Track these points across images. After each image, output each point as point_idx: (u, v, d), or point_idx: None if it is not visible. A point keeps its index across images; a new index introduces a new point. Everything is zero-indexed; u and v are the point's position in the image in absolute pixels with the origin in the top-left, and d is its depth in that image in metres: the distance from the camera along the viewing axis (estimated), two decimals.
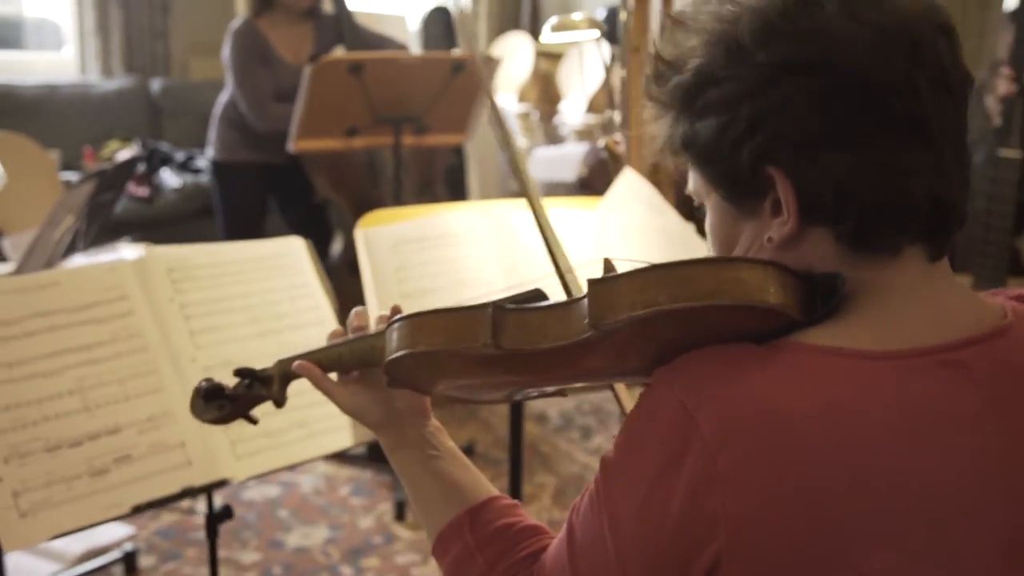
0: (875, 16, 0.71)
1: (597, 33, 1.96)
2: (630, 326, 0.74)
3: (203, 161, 4.71)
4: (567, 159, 4.05)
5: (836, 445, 0.67)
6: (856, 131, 0.71)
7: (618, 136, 2.26)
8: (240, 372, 1.07)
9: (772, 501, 0.67)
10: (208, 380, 1.08)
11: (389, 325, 0.91)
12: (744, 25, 0.72)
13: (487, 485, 0.96)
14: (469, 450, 3.03)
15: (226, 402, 1.08)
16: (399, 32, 4.70)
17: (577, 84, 4.81)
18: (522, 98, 5.29)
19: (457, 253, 1.80)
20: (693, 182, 0.81)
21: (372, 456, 2.94)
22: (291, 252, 1.76)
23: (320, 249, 3.17)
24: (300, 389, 1.67)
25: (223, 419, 1.09)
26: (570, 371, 0.85)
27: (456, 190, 4.07)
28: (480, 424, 3.28)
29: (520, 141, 4.90)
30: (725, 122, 0.73)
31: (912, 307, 0.74)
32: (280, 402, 1.07)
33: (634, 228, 1.93)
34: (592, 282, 0.76)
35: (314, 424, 1.64)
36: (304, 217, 3.42)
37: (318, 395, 1.73)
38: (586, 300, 0.76)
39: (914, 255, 0.74)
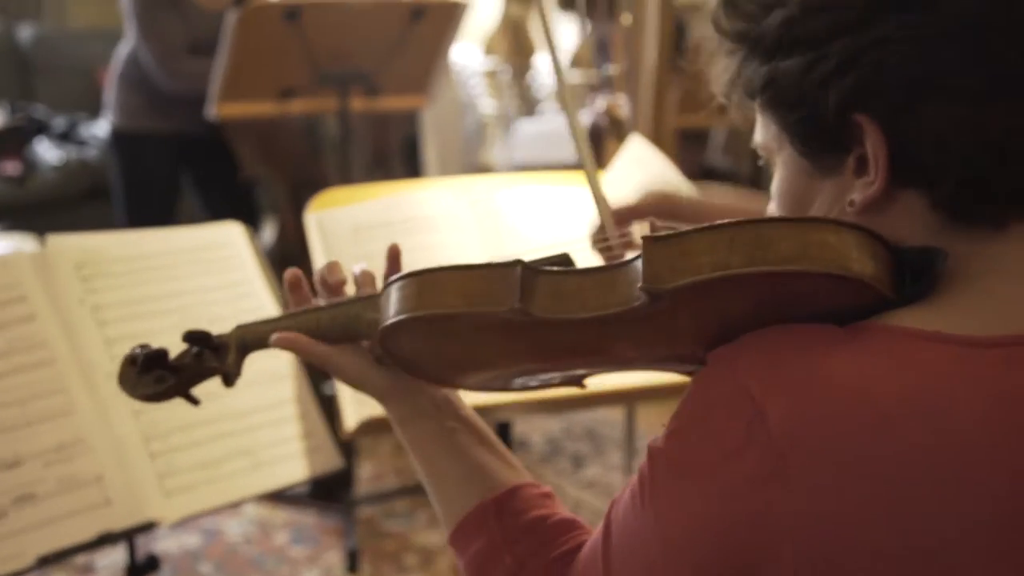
0: None
1: None
2: (692, 294, 0.77)
3: (89, 130, 4.70)
4: (558, 133, 4.10)
5: (933, 447, 0.70)
6: (964, 80, 0.75)
7: (621, 96, 2.30)
8: (191, 336, 1.09)
9: (852, 511, 0.70)
10: (144, 346, 1.10)
11: (387, 285, 0.94)
12: None
13: (517, 468, 1.00)
14: None
15: (167, 373, 1.09)
16: None
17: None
18: (489, 51, 5.33)
19: (431, 240, 1.83)
20: (763, 133, 0.85)
21: (315, 495, 2.96)
22: (229, 241, 1.78)
23: None
24: (243, 409, 1.70)
25: (161, 395, 1.10)
26: (610, 352, 0.89)
27: (413, 166, 4.10)
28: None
29: (487, 106, 4.93)
30: (814, 59, 0.77)
31: (1011, 287, 0.77)
32: (232, 378, 1.09)
33: None
34: (648, 239, 0.79)
35: (260, 452, 1.67)
36: (225, 199, 3.44)
37: (266, 416, 1.74)
38: (638, 262, 0.79)
39: (1021, 231, 0.78)
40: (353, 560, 2.72)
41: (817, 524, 0.71)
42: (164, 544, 2.81)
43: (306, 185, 3.00)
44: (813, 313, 0.76)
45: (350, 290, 1.10)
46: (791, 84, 0.79)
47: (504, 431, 2.09)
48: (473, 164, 4.80)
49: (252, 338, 1.11)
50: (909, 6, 0.75)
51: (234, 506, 1.70)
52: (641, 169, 2.06)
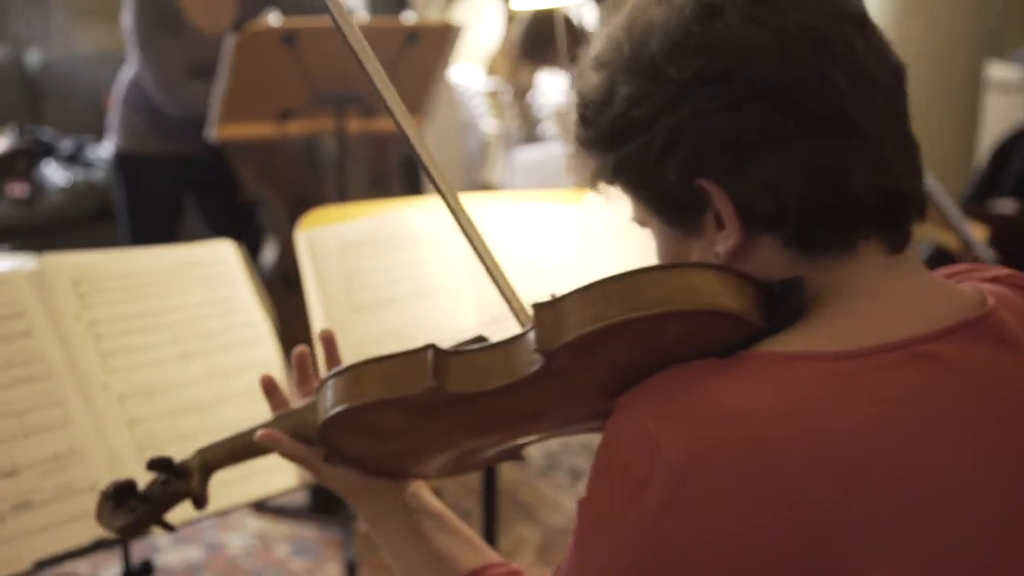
0: (776, 19, 0.85)
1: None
2: (581, 348, 0.85)
3: (95, 152, 4.79)
4: (555, 161, 4.16)
5: (816, 453, 0.78)
6: (777, 133, 0.84)
7: None
8: (153, 464, 1.17)
9: (751, 521, 0.77)
10: (115, 481, 1.18)
11: (321, 384, 1.03)
12: (654, 46, 0.87)
13: (482, 551, 1.09)
14: None
15: (138, 503, 1.17)
16: None
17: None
18: (491, 71, 5.41)
19: (416, 257, 1.90)
20: (633, 210, 0.94)
21: (316, 507, 3.03)
22: (220, 259, 1.85)
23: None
24: (235, 421, 1.76)
25: (136, 525, 1.18)
26: (527, 418, 0.97)
27: (412, 185, 4.17)
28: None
29: (489, 125, 5.01)
30: (647, 140, 0.87)
31: (878, 303, 0.86)
32: (201, 500, 1.18)
33: (624, 225, 2.04)
34: (536, 306, 0.88)
35: (250, 462, 1.73)
36: (228, 220, 3.51)
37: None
38: (533, 329, 0.88)
39: (871, 250, 0.87)
40: (352, 572, 2.78)
41: (722, 540, 0.77)
42: (166, 557, 2.87)
43: (306, 205, 3.06)
44: (697, 350, 0.84)
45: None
46: (634, 166, 0.89)
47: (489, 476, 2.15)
48: (475, 183, 4.87)
49: (213, 458, 1.20)
50: (712, 80, 0.84)
51: (225, 513, 1.76)
52: None
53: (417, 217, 1.96)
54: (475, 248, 1.07)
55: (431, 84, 3.29)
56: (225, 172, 3.41)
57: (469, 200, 2.05)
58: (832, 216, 0.86)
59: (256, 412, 1.79)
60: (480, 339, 1.01)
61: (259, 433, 1.13)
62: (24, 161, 4.49)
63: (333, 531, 3.00)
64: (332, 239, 1.90)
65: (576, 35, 4.58)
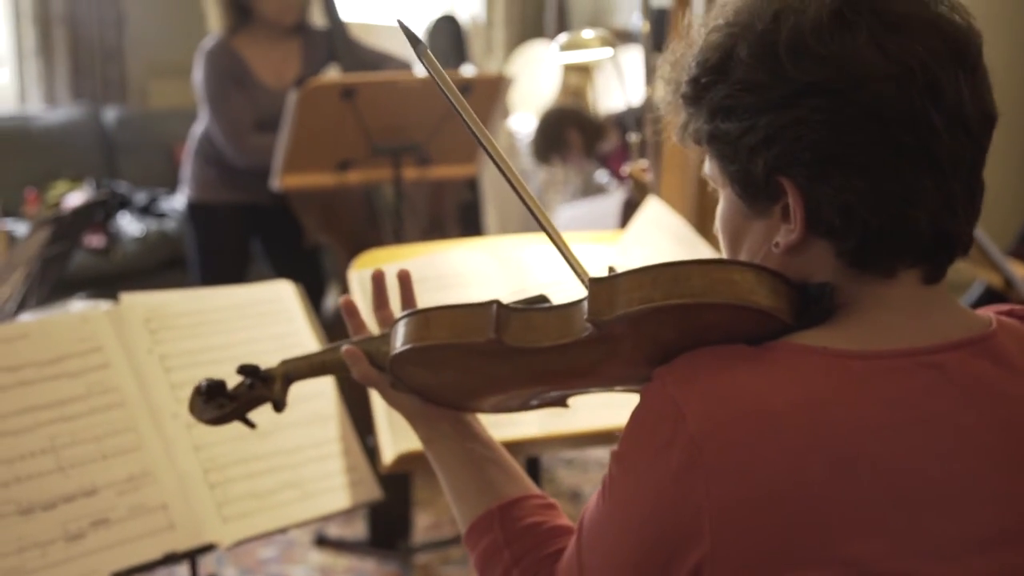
0: (901, 49, 0.91)
1: (611, 52, 2.23)
2: (627, 323, 0.97)
3: (168, 203, 5.03)
4: (595, 215, 4.29)
5: (816, 436, 0.89)
6: (868, 159, 0.92)
7: (643, 161, 2.51)
8: (243, 369, 1.33)
9: (754, 490, 0.88)
10: (209, 379, 1.34)
11: (396, 322, 1.16)
12: (783, 33, 0.93)
13: (525, 482, 1.21)
14: None
15: (226, 401, 1.33)
16: (399, 46, 5.01)
17: (614, 101, 5.08)
18: None
19: (462, 295, 2.05)
20: (710, 170, 1.03)
21: (375, 542, 3.17)
22: (279, 297, 2.03)
23: (313, 301, 3.43)
24: (292, 447, 1.92)
25: (223, 418, 1.34)
26: (576, 374, 1.10)
27: (471, 230, 4.34)
28: None
29: (545, 172, 5.16)
30: (746, 128, 0.95)
31: (899, 317, 0.96)
32: (280, 404, 1.33)
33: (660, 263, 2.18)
34: (592, 281, 1.00)
35: (307, 484, 1.89)
36: (294, 265, 3.68)
37: (313, 452, 1.97)
38: (586, 299, 1.00)
39: (909, 277, 0.97)
40: None
41: (728, 506, 0.90)
42: None
43: (365, 250, 3.23)
44: (730, 337, 0.96)
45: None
46: (728, 143, 0.98)
47: (533, 465, 2.29)
48: (531, 228, 5.01)
49: (294, 370, 1.35)
50: (825, 93, 0.92)
51: (282, 531, 1.91)
52: (659, 230, 2.26)
53: (462, 257, 2.11)
54: (540, 221, 1.14)
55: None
56: (290, 219, 3.59)
57: (512, 241, 2.21)
58: (889, 242, 0.94)
59: (310, 439, 1.96)
60: (542, 298, 1.14)
61: (345, 348, 1.25)
62: (101, 213, 4.73)
63: (392, 564, 3.13)
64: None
65: (591, 130, 4.68)
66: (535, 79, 5.51)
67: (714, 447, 0.90)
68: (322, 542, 3.24)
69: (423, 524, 3.39)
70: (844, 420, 0.91)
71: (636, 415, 0.97)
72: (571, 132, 4.69)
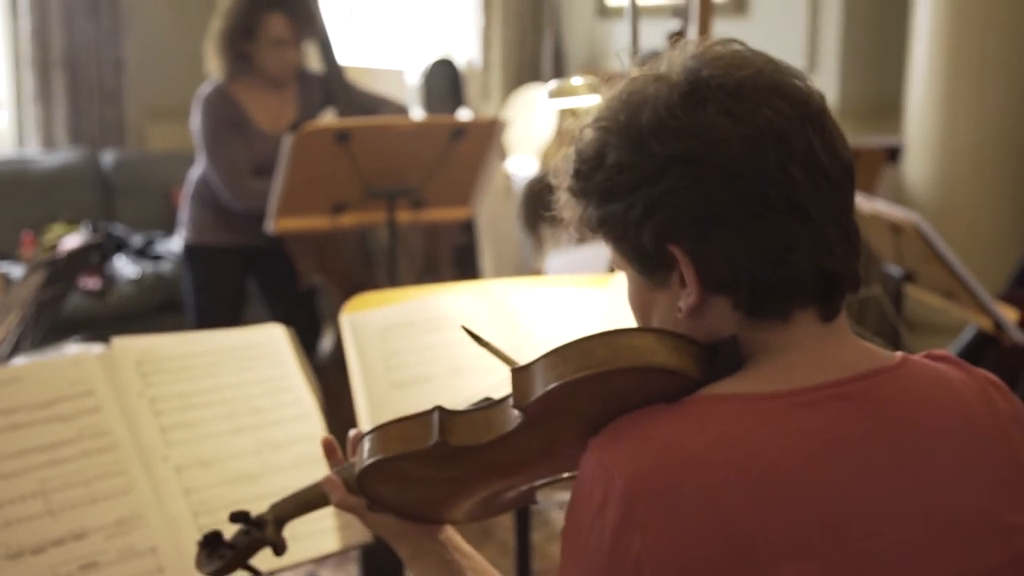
0: (747, 113, 1.00)
1: (599, 99, 2.26)
2: (548, 403, 1.04)
3: (164, 246, 5.06)
4: (586, 266, 4.31)
5: (735, 473, 0.95)
6: (740, 215, 1.00)
7: None
8: (234, 517, 1.39)
9: (684, 534, 0.94)
10: (205, 533, 1.40)
11: (360, 440, 1.24)
12: (644, 119, 1.03)
13: None
14: None
15: (227, 551, 1.39)
16: (396, 89, 5.07)
17: None
18: (544, 162, 5.62)
19: (451, 338, 2.08)
20: (612, 256, 1.11)
21: None
22: (270, 341, 2.05)
23: (307, 344, 3.46)
24: (280, 490, 1.93)
25: (226, 568, 1.39)
26: (527, 464, 1.17)
27: (467, 273, 4.36)
28: (497, 547, 3.50)
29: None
30: (627, 205, 1.03)
31: (804, 357, 1.03)
32: (279, 547, 1.40)
33: None
34: (513, 371, 1.07)
35: (296, 527, 1.89)
36: (289, 307, 3.72)
37: None
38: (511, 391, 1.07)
39: (806, 318, 1.04)
40: None
41: (663, 553, 0.94)
42: None
43: (360, 292, 3.26)
44: (647, 399, 1.02)
45: None
46: (616, 223, 1.06)
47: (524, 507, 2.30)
48: (529, 272, 5.05)
49: (283, 512, 1.42)
50: (688, 161, 1.01)
51: (272, 574, 1.92)
52: None
53: (452, 301, 2.14)
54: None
55: (478, 176, 3.49)
56: (285, 262, 3.62)
57: (503, 284, 2.24)
58: (776, 288, 1.02)
59: (299, 482, 1.96)
60: (486, 400, 1.20)
61: (325, 477, 1.34)
62: (97, 255, 4.76)
63: None
64: (374, 321, 2.09)
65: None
66: (531, 122, 5.55)
67: (643, 499, 0.95)
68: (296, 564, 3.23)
69: None
70: (759, 453, 0.97)
71: (574, 487, 1.03)
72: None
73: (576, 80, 2.26)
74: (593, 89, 2.23)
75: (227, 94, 3.59)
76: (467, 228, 4.63)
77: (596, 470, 0.98)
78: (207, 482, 1.87)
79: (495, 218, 4.91)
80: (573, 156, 1.10)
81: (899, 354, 1.09)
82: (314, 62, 3.88)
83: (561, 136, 5.59)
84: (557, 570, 1.04)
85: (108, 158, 5.45)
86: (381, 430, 1.21)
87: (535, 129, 5.55)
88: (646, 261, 1.06)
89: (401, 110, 3.83)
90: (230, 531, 1.40)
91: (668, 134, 1.02)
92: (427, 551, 1.29)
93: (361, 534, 1.96)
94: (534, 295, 2.19)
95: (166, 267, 4.94)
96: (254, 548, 1.40)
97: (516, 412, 1.07)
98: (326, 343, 3.90)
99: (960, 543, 1.00)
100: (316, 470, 1.99)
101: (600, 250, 4.58)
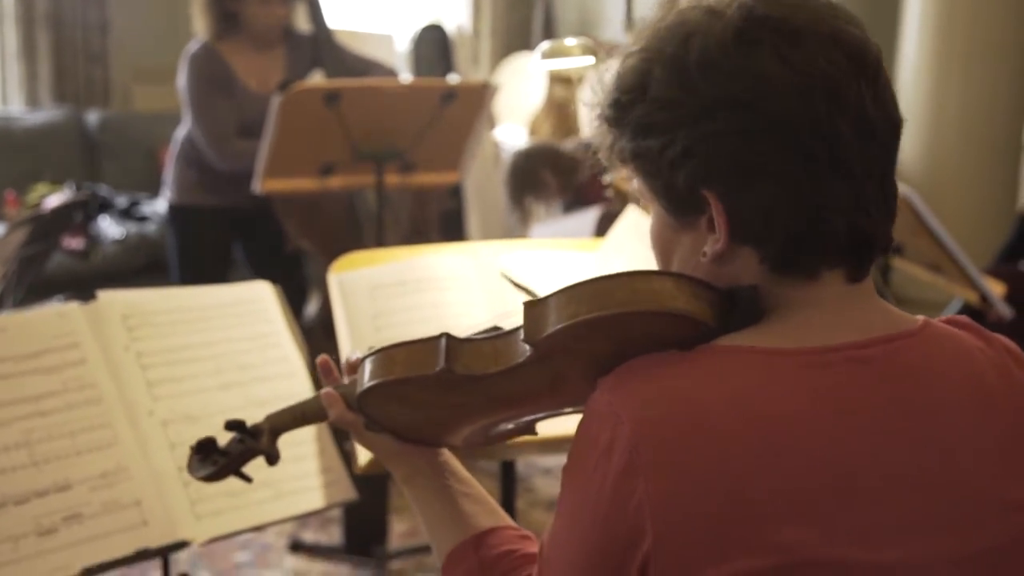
0: (802, 61, 0.97)
1: (593, 60, 2.26)
2: (560, 340, 1.02)
3: (150, 207, 5.04)
4: (570, 234, 4.31)
5: (744, 428, 0.93)
6: (781, 167, 0.97)
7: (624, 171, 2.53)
8: (230, 425, 1.39)
9: (688, 483, 0.93)
10: (199, 440, 1.40)
11: (361, 361, 1.23)
12: (692, 54, 0.99)
13: (501, 515, 1.26)
14: None
15: (219, 456, 1.39)
16: (385, 55, 5.05)
17: None
18: (533, 131, 5.62)
19: (440, 298, 2.08)
20: (638, 188, 1.08)
21: (349, 548, 3.18)
22: (258, 298, 2.05)
23: (294, 307, 3.45)
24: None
25: (217, 475, 1.39)
26: (531, 397, 1.15)
27: (454, 238, 4.36)
28: None
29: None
30: (665, 143, 1.00)
31: (825, 316, 1.01)
32: (272, 457, 1.39)
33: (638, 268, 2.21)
34: (525, 304, 1.05)
35: (281, 484, 1.91)
36: (275, 270, 3.63)
37: (287, 452, 1.99)
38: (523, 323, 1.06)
39: (833, 277, 1.01)
40: None
41: (666, 500, 0.93)
42: None
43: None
44: (662, 343, 1.00)
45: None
46: (650, 159, 1.03)
47: (509, 474, 2.31)
48: (514, 236, 5.05)
49: (279, 423, 1.41)
50: (734, 106, 0.97)
51: (256, 529, 1.93)
52: (637, 238, 2.29)
53: (441, 263, 2.14)
54: None
55: (467, 141, 3.48)
56: (272, 224, 3.60)
57: (492, 246, 2.24)
58: (808, 245, 1.00)
59: (291, 437, 1.97)
60: (495, 329, 1.18)
61: (323, 392, 1.31)
62: (81, 215, 4.74)
63: (367, 570, 3.14)
64: (362, 281, 2.08)
65: (565, 168, 4.69)
66: (521, 90, 5.54)
67: (650, 445, 0.94)
68: (297, 547, 3.26)
69: (399, 531, 3.41)
70: (770, 411, 0.95)
71: (581, 426, 1.01)
72: (544, 173, 4.69)
73: (570, 41, 2.25)
74: (587, 50, 2.22)
75: (214, 52, 3.57)
76: (455, 194, 4.62)
77: (604, 412, 0.97)
78: (192, 437, 1.80)
79: (483, 185, 4.91)
80: (613, 83, 1.05)
81: (921, 318, 1.06)
82: (303, 23, 3.86)
83: (550, 105, 5.59)
84: (556, 509, 1.03)
85: (93, 118, 5.43)
86: (385, 352, 1.19)
87: (524, 97, 5.53)
88: (676, 201, 1.03)
89: (391, 73, 3.81)
90: (224, 439, 1.40)
91: (717, 74, 0.98)
92: (422, 472, 1.27)
93: (345, 492, 1.97)
94: (520, 256, 2.19)
95: (151, 228, 4.93)
96: (247, 456, 1.39)
97: (526, 346, 1.05)
98: (312, 307, 3.90)
99: (962, 517, 0.98)
100: (302, 428, 1.99)
101: (585, 220, 4.59)
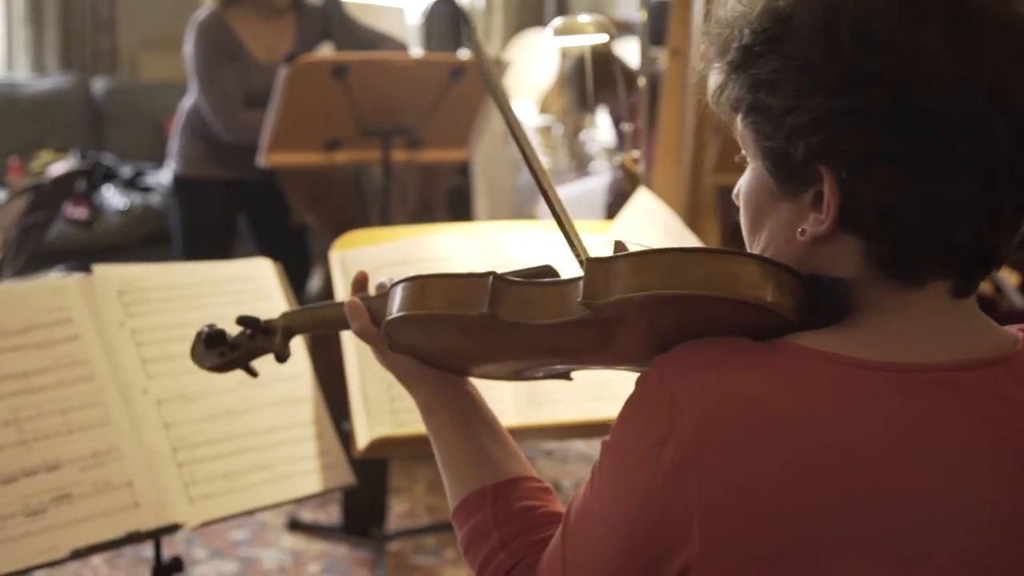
0: (972, 47, 0.86)
1: (606, 38, 2.20)
2: (622, 309, 0.93)
3: (154, 177, 4.99)
4: (590, 196, 4.26)
5: (817, 449, 0.85)
6: (918, 161, 0.87)
7: (635, 152, 2.48)
8: (243, 320, 1.33)
9: (746, 498, 0.85)
10: (211, 326, 1.35)
11: (392, 286, 1.13)
12: (845, 16, 0.87)
13: (523, 462, 1.16)
14: None
15: (227, 349, 1.34)
16: (396, 28, 4.98)
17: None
18: (544, 108, 5.56)
19: None
20: (744, 139, 0.97)
21: (348, 528, 3.14)
22: (258, 275, 1.99)
23: (296, 282, 3.41)
24: (264, 428, 1.88)
25: (223, 366, 1.35)
26: (574, 351, 1.06)
27: (461, 216, 4.31)
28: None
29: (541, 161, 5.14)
30: (791, 106, 0.89)
31: (919, 328, 0.91)
32: (282, 356, 1.33)
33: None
34: (590, 261, 0.95)
35: (278, 466, 1.86)
36: (279, 244, 3.64)
37: (285, 434, 1.94)
38: (583, 280, 0.96)
39: (937, 288, 0.91)
40: None
41: (720, 511, 0.86)
42: (201, 569, 3.00)
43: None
44: (733, 328, 0.91)
45: None
46: (769, 119, 0.92)
47: None
48: (522, 215, 5.00)
49: (295, 323, 1.34)
50: (885, 85, 0.86)
51: (250, 513, 1.88)
52: (647, 220, 2.23)
53: (446, 243, 2.08)
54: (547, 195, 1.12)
55: (477, 118, 3.43)
56: (277, 198, 3.57)
57: (499, 226, 2.17)
58: (923, 250, 0.89)
59: (283, 421, 1.93)
60: (547, 270, 1.09)
61: (348, 301, 1.22)
62: (84, 184, 4.69)
63: (364, 550, 3.11)
64: (365, 260, 2.02)
65: (629, 70, 4.63)
66: (532, 67, 5.48)
67: (710, 449, 0.86)
68: (295, 526, 3.22)
69: (398, 512, 3.37)
70: (849, 434, 0.86)
71: (632, 406, 0.93)
72: (615, 68, 4.60)
73: (583, 18, 2.17)
74: (600, 28, 2.15)
75: (222, 21, 3.52)
76: (462, 171, 4.56)
77: (663, 400, 0.88)
78: (187, 417, 1.83)
79: (491, 162, 4.85)
80: (748, 25, 0.93)
81: (1022, 336, 0.95)
82: None
83: (562, 81, 5.52)
84: (587, 485, 0.96)
85: (99, 86, 5.37)
86: (421, 282, 1.09)
87: (535, 74, 5.47)
88: (784, 167, 0.92)
89: (401, 47, 3.75)
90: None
91: (871, 43, 0.86)
92: (444, 402, 1.17)
93: (343, 476, 1.92)
94: (530, 239, 2.13)
95: (155, 199, 4.87)
96: (257, 353, 1.34)
97: (581, 305, 0.95)
98: (315, 283, 3.85)
99: None
100: (300, 409, 1.95)
101: (597, 184, 4.53)
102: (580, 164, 5.32)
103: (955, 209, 0.88)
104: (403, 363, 1.18)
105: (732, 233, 4.52)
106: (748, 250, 1.00)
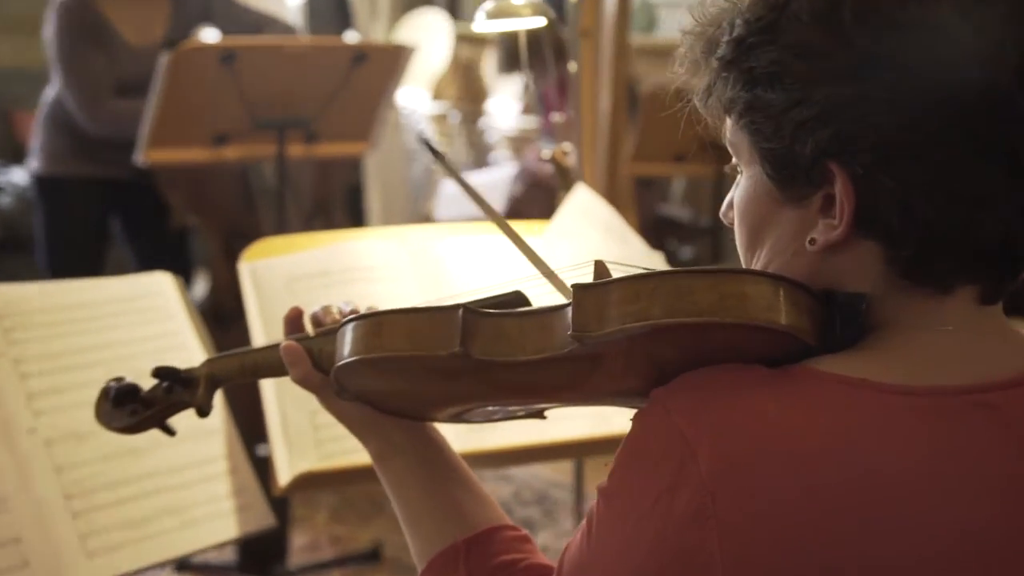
0: (993, 24, 0.82)
1: (544, 21, 2.13)
2: (620, 341, 0.87)
3: (5, 176, 4.77)
4: (491, 191, 4.20)
5: (849, 489, 0.80)
6: (939, 151, 0.83)
7: (567, 144, 2.41)
8: (159, 372, 1.22)
9: (774, 547, 0.80)
10: (119, 379, 1.23)
11: (342, 324, 1.04)
12: None
13: (494, 510, 1.09)
14: (375, 555, 3.13)
15: (140, 407, 1.22)
16: (275, 7, 4.84)
17: (511, 81, 4.99)
18: (438, 95, 5.47)
19: (370, 290, 1.92)
20: (736, 142, 0.92)
21: (244, 566, 3.01)
22: (158, 291, 1.87)
23: None
24: (172, 466, 1.76)
25: (135, 427, 1.23)
26: (554, 389, 0.99)
27: (356, 215, 4.21)
28: (388, 521, 3.38)
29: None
30: (795, 100, 0.85)
31: (948, 344, 0.87)
32: (204, 410, 1.21)
33: (588, 258, 2.08)
34: (577, 288, 0.88)
35: (189, 511, 1.74)
36: (157, 248, 3.54)
37: (195, 473, 1.82)
38: (571, 309, 0.89)
39: (965, 295, 0.87)
40: None
41: (746, 562, 0.80)
42: None
43: (239, 236, 3.09)
44: (741, 355, 0.85)
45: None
46: (770, 117, 0.87)
47: None
48: (419, 214, 4.91)
49: (221, 372, 1.23)
50: (894, 66, 0.83)
51: (160, 567, 1.76)
52: (587, 220, 2.16)
53: (368, 249, 1.99)
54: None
55: (378, 108, 3.33)
56: (154, 198, 3.44)
57: (423, 231, 2.08)
58: (951, 249, 0.85)
59: (192, 458, 1.81)
60: (517, 297, 1.03)
61: (285, 344, 1.13)
62: None
63: None
64: (279, 271, 1.92)
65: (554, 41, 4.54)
66: (423, 50, 5.37)
67: (729, 493, 0.81)
68: (183, 567, 3.06)
69: (299, 544, 3.25)
70: (882, 470, 0.82)
71: (633, 447, 0.87)
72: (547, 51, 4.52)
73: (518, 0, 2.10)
74: (537, 11, 2.08)
75: (87, 1, 3.36)
76: (354, 166, 4.45)
77: (672, 440, 0.83)
78: (82, 458, 1.71)
79: (383, 156, 4.74)
80: (740, 15, 0.89)
81: None
82: None
83: (456, 66, 5.44)
84: (583, 536, 0.89)
85: None
86: (377, 319, 1.01)
87: (427, 57, 5.37)
88: (788, 170, 0.88)
89: (290, 30, 3.65)
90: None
91: (880, 23, 0.83)
92: (402, 449, 1.10)
93: (261, 518, 1.81)
94: (459, 244, 2.05)
95: (5, 201, 4.66)
96: (175, 408, 1.24)
97: (570, 338, 0.88)
98: (198, 289, 3.71)
99: None
100: (211, 442, 1.83)
101: (500, 176, 4.46)
102: (479, 154, 5.25)
103: (982, 200, 0.84)
104: (353, 411, 1.11)
105: (652, 226, 4.51)
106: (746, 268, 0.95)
